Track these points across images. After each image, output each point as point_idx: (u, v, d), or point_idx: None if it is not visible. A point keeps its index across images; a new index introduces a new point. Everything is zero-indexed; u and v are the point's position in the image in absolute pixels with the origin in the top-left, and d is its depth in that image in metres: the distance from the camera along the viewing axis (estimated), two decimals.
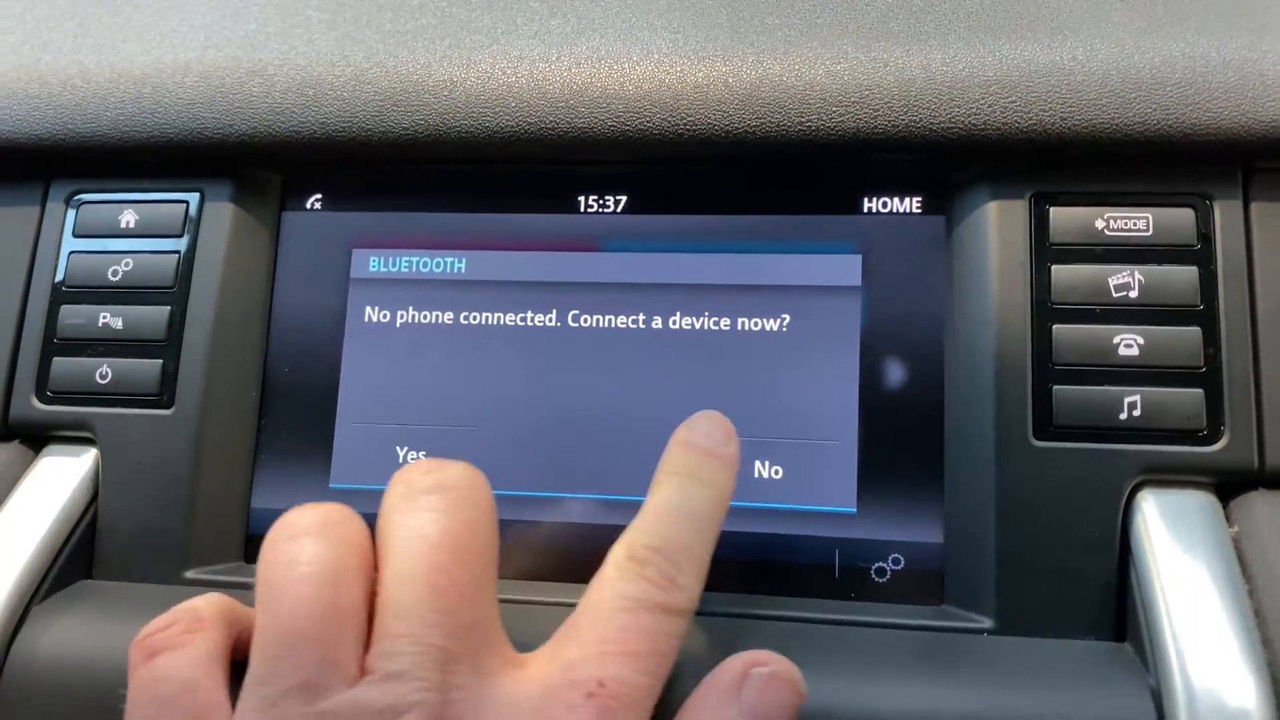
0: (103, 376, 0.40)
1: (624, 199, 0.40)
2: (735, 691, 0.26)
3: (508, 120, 0.38)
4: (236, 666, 0.27)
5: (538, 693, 0.25)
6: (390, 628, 0.24)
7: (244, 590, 0.30)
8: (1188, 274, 0.35)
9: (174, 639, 0.26)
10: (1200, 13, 0.37)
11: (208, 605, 0.28)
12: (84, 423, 0.40)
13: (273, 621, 0.25)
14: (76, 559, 0.38)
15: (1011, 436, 0.35)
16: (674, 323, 0.39)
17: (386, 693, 0.23)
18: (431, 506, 0.26)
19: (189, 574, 0.38)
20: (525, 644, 0.28)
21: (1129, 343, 0.35)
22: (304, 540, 0.26)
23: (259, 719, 0.24)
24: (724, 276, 0.39)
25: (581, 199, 0.40)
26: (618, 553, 0.28)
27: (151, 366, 0.40)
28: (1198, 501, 0.34)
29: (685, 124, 0.37)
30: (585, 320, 0.39)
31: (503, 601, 0.28)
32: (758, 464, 0.37)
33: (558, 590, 0.36)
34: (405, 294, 0.41)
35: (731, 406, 0.37)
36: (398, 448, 0.39)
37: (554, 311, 0.39)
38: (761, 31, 0.38)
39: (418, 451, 0.39)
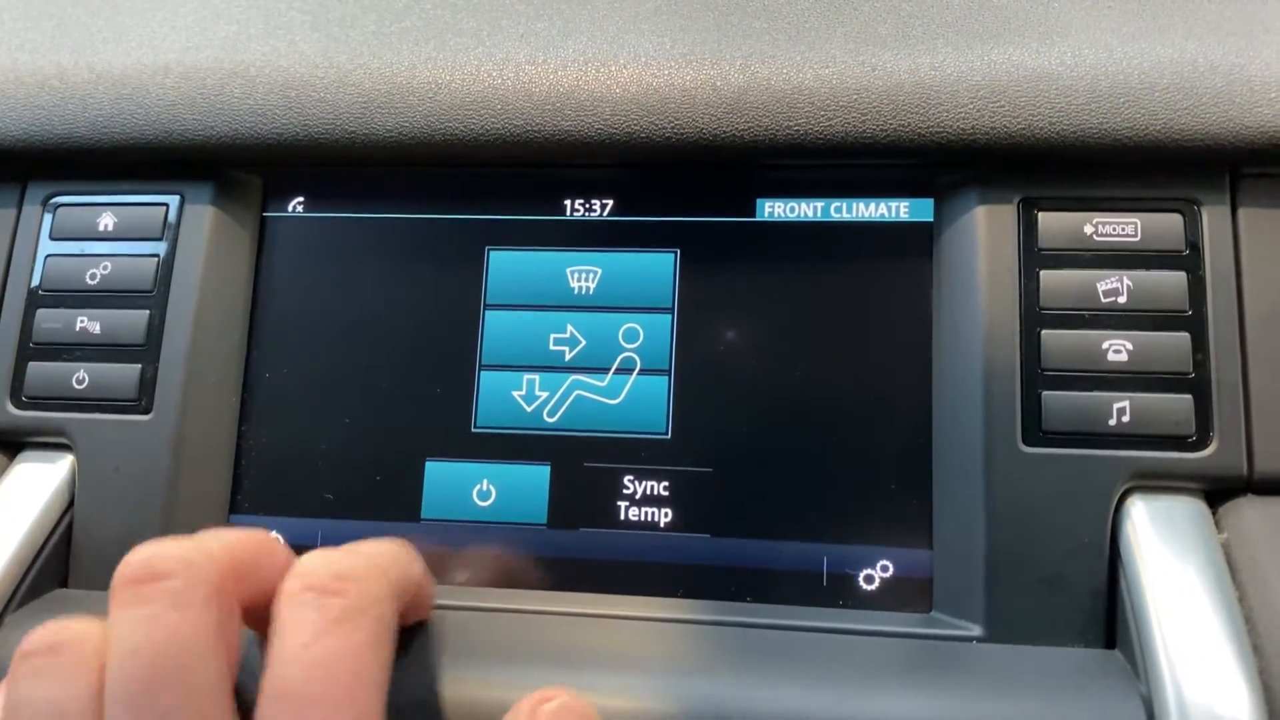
0: (79, 381, 0.39)
1: (610, 202, 0.40)
2: None
3: (493, 123, 0.38)
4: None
5: None
6: None
7: None
8: (1176, 279, 0.35)
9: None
10: (1188, 19, 0.37)
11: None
12: (60, 428, 0.39)
13: None
14: (51, 568, 0.38)
15: (1000, 443, 0.34)
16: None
17: None
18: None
19: None
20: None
21: (1118, 348, 0.35)
22: (22, 683, 0.25)
23: None
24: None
25: (568, 202, 0.40)
26: None
27: (130, 371, 0.39)
28: (1187, 507, 0.33)
29: (672, 128, 0.37)
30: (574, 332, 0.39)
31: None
32: None
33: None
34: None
35: None
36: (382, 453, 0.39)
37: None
38: (749, 35, 0.38)
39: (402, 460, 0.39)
